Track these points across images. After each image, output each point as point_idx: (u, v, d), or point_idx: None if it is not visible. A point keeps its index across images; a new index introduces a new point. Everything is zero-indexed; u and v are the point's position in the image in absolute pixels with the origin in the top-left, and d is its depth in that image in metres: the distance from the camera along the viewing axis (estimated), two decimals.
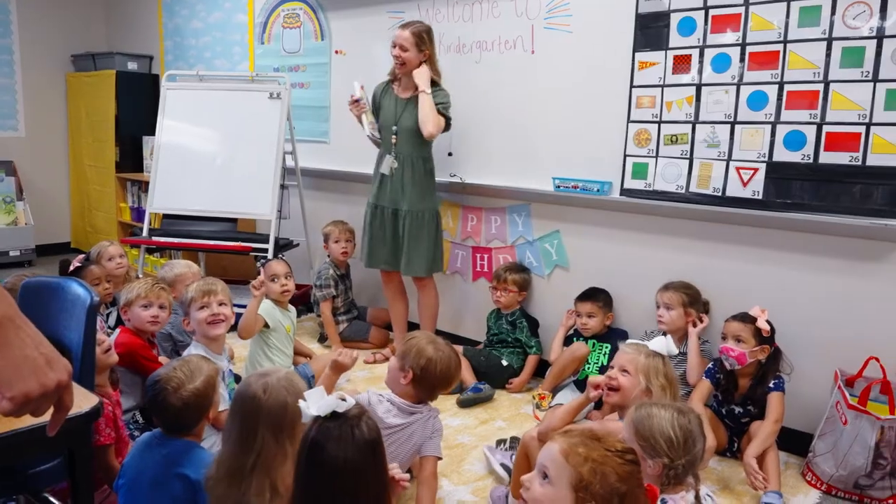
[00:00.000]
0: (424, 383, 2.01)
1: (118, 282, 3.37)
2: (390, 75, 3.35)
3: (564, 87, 3.13)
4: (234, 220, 4.15)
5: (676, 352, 1.95)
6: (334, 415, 1.29)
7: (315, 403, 1.29)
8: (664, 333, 2.75)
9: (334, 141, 4.22)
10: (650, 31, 2.83)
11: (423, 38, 3.20)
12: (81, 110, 5.68)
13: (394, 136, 3.25)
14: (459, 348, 3.25)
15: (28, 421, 1.40)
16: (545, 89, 3.20)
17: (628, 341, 2.01)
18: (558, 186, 3.14)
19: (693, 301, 2.71)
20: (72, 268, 3.01)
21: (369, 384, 3.16)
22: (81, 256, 3.11)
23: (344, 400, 1.30)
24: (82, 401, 1.51)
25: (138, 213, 5.09)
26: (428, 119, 3.09)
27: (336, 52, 4.13)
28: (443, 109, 3.16)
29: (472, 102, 3.42)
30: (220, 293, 2.43)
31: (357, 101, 3.28)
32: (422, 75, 3.13)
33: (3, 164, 5.50)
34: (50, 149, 5.82)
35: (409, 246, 3.27)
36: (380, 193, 3.32)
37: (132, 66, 5.44)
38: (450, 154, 3.48)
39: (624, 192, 2.97)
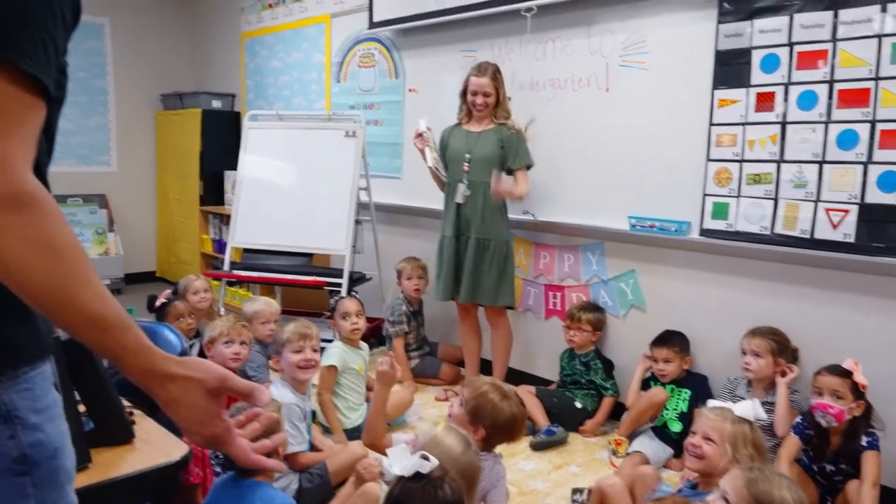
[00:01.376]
0: (494, 438, 2.00)
1: (201, 315, 3.52)
2: (461, 119, 3.40)
3: (640, 124, 3.09)
4: (309, 255, 4.26)
5: (765, 418, 1.87)
6: (417, 475, 1.30)
7: (398, 463, 1.30)
8: (749, 382, 2.67)
9: (407, 177, 4.28)
10: (730, 68, 2.76)
11: (499, 78, 3.28)
12: (169, 146, 5.99)
13: (466, 164, 3.30)
14: (532, 388, 3.25)
15: (120, 471, 1.48)
16: (620, 126, 3.16)
17: (710, 403, 1.93)
18: (634, 226, 3.09)
19: (782, 349, 2.59)
20: (158, 303, 3.15)
21: (440, 422, 3.16)
22: (167, 292, 3.25)
23: (427, 460, 1.30)
24: (173, 449, 1.58)
25: (219, 245, 5.30)
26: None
27: (409, 90, 4.22)
28: (529, 163, 3.27)
29: (545, 140, 3.42)
30: (314, 338, 2.50)
31: (421, 134, 3.36)
32: (517, 187, 3.22)
33: (97, 197, 5.85)
34: (139, 183, 6.15)
35: (481, 274, 3.29)
36: (452, 224, 3.35)
37: (216, 104, 5.71)
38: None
39: (703, 232, 2.89)
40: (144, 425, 1.70)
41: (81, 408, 1.57)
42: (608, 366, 3.21)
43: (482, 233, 3.27)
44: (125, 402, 1.69)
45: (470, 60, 3.65)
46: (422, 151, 3.39)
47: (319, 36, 4.83)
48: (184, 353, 1.76)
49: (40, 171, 0.85)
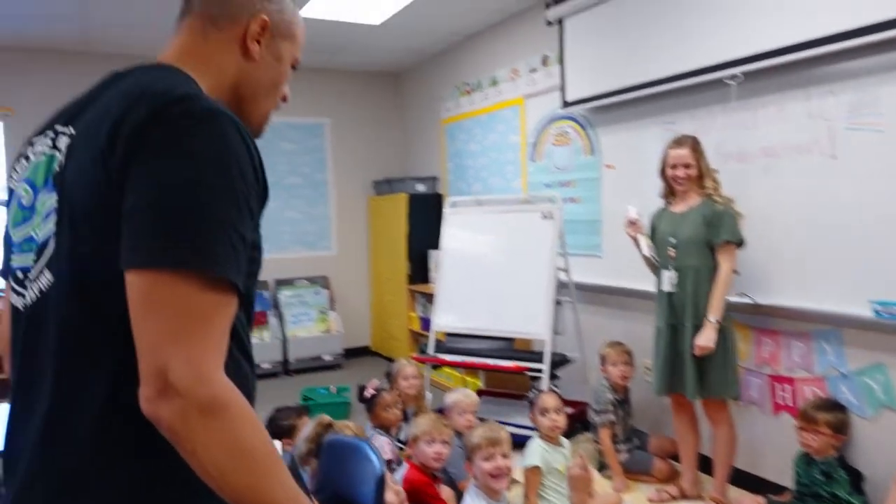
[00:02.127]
0: None
1: (409, 399, 3.65)
2: (664, 197, 3.22)
3: (877, 193, 2.67)
4: (510, 338, 4.25)
5: None
6: None
7: None
8: None
9: (607, 255, 4.13)
10: None
11: (698, 149, 3.08)
12: (380, 229, 6.44)
13: (672, 250, 3.09)
14: (761, 500, 2.87)
15: None
16: (852, 197, 2.77)
17: None
18: (879, 312, 2.64)
19: None
20: (367, 394, 3.30)
21: None
22: (375, 383, 3.39)
23: None
24: None
25: (425, 323, 5.50)
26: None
27: (606, 166, 4.11)
28: (735, 239, 2.97)
29: (760, 215, 3.10)
30: (504, 443, 2.44)
31: (633, 222, 3.22)
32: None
33: (320, 279, 6.43)
34: (355, 264, 6.67)
35: (698, 364, 3.00)
36: (664, 313, 3.13)
37: (420, 187, 6.04)
38: (736, 272, 3.16)
39: None
40: None
41: None
42: (855, 477, 2.73)
43: (698, 319, 3.00)
44: None
45: (668, 133, 3.47)
46: (635, 239, 3.26)
47: (514, 117, 4.93)
48: (381, 477, 1.78)
49: (240, 342, 0.91)
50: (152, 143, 0.79)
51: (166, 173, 0.77)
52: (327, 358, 6.12)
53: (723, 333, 2.97)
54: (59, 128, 0.91)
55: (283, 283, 6.25)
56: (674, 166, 3.07)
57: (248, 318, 0.96)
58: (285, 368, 5.97)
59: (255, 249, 0.90)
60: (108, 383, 0.81)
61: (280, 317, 6.09)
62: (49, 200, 0.88)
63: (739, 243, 2.98)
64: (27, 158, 0.94)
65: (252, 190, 0.83)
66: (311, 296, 6.26)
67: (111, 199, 0.79)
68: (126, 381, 0.77)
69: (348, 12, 4.63)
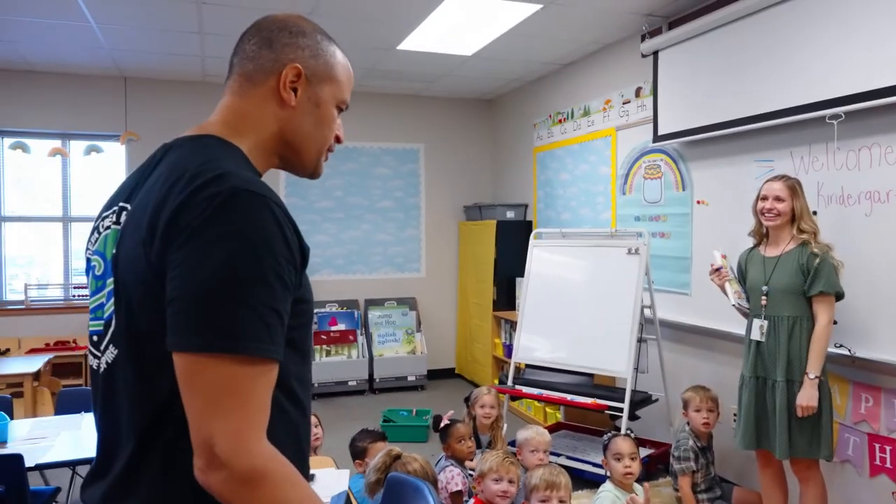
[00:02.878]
0: None
1: (484, 428, 3.66)
2: (753, 236, 3.09)
3: None
4: (591, 374, 4.18)
5: None
6: None
7: None
8: None
9: (696, 293, 3.99)
10: None
11: (797, 189, 2.93)
12: (469, 254, 6.51)
13: (763, 298, 2.95)
14: None
15: None
16: None
17: None
18: None
19: None
20: (442, 424, 3.34)
21: None
22: (450, 414, 3.43)
23: None
24: None
25: (508, 350, 5.50)
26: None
27: (698, 202, 3.98)
28: (832, 290, 2.80)
29: (861, 262, 2.92)
30: (562, 488, 2.42)
31: (718, 269, 3.10)
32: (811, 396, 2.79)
33: (408, 300, 6.57)
34: (443, 287, 6.77)
35: (787, 423, 2.84)
36: (751, 362, 2.99)
37: (510, 214, 6.07)
38: (834, 322, 2.98)
39: None
40: None
41: None
42: None
43: (790, 374, 2.85)
44: None
45: (765, 171, 3.33)
46: (721, 287, 3.14)
47: (605, 148, 4.88)
48: None
49: (290, 391, 0.97)
50: (182, 232, 0.86)
51: (195, 262, 0.85)
52: (411, 378, 6.22)
53: (819, 389, 2.80)
54: (121, 203, 1.00)
55: (372, 303, 6.44)
56: (764, 198, 2.94)
57: (303, 364, 1.02)
58: (370, 386, 6.13)
59: (301, 303, 0.97)
60: (170, 448, 0.89)
61: (368, 336, 6.26)
62: (111, 279, 0.98)
63: (839, 296, 2.81)
64: (98, 231, 1.03)
65: (283, 260, 0.89)
66: (399, 316, 6.41)
67: (155, 284, 0.88)
68: (184, 450, 0.85)
69: (441, 44, 4.76)
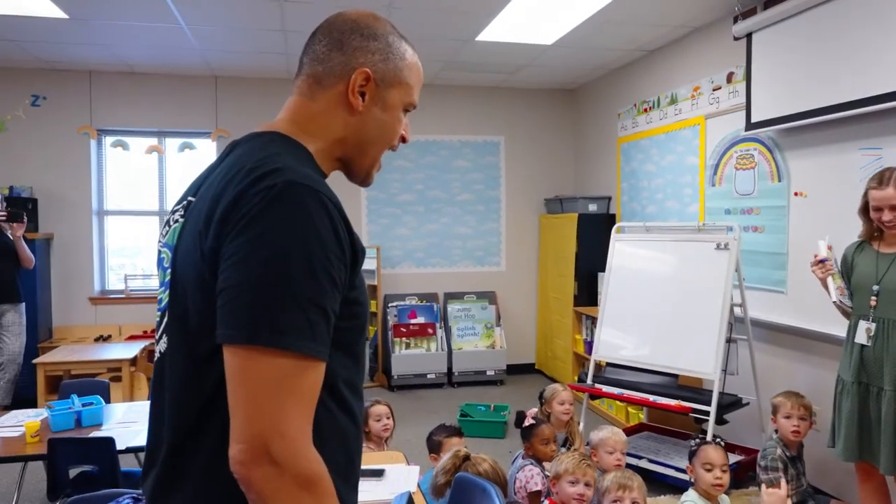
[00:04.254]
0: None
1: (561, 426, 3.57)
2: (864, 237, 2.84)
3: None
4: (675, 375, 4.00)
5: None
6: None
7: None
8: None
9: (793, 292, 3.73)
10: None
11: None
12: (549, 247, 6.38)
13: (873, 298, 2.71)
14: None
15: None
16: None
17: None
18: None
19: None
20: (526, 423, 3.27)
21: None
22: (534, 411, 3.34)
23: None
24: None
25: (589, 347, 5.35)
26: None
27: (795, 194, 3.72)
28: None
29: None
30: (635, 490, 2.31)
31: (822, 261, 2.87)
32: None
33: (488, 294, 6.52)
34: (523, 281, 6.67)
35: (893, 435, 2.61)
36: (854, 367, 2.77)
37: (592, 207, 5.90)
38: None
39: None
40: None
41: None
42: None
43: None
44: None
45: (871, 160, 3.07)
46: (823, 281, 2.92)
47: (694, 138, 4.64)
48: None
49: (341, 398, 0.95)
50: (236, 224, 0.85)
51: (245, 254, 0.83)
52: (490, 373, 6.18)
53: None
54: (190, 198, 1.01)
55: (452, 296, 6.43)
56: (878, 209, 2.70)
57: (355, 369, 0.99)
58: (449, 380, 6.13)
59: (354, 304, 0.94)
60: (214, 443, 0.88)
61: (447, 329, 6.26)
62: (169, 271, 0.98)
63: None
64: (169, 224, 1.05)
65: (334, 258, 0.87)
66: (479, 310, 6.37)
67: (207, 277, 0.87)
68: (226, 443, 0.84)
69: (521, 34, 4.66)
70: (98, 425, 3.07)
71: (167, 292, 0.98)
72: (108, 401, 3.46)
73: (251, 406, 0.81)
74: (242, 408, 0.82)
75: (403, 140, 1.13)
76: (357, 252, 0.93)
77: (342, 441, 0.97)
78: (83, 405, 3.12)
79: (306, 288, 0.84)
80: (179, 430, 0.92)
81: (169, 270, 0.98)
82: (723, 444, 2.86)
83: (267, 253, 0.83)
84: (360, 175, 1.12)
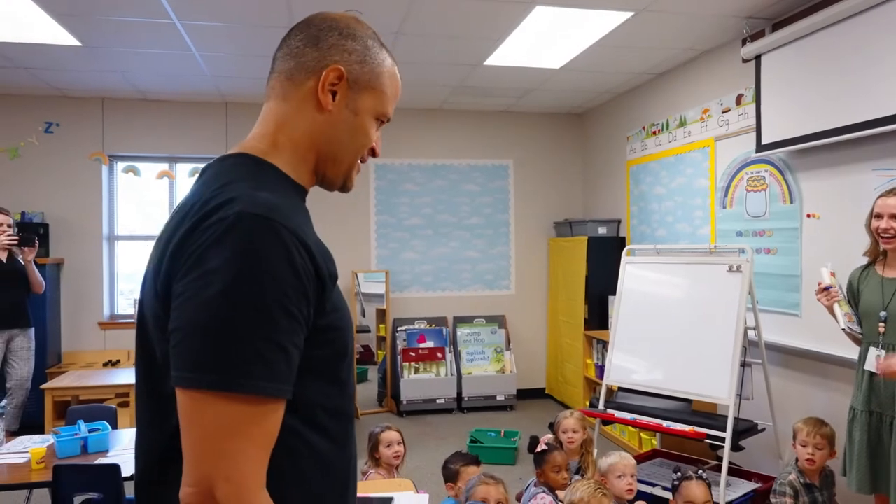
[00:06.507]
0: None
1: (571, 454, 3.50)
2: (868, 256, 2.80)
3: None
4: (689, 400, 3.92)
5: None
6: None
7: None
8: None
9: (807, 315, 3.68)
10: None
11: None
12: (559, 271, 6.34)
13: (881, 325, 2.66)
14: None
15: None
16: None
17: None
18: None
19: None
20: (538, 448, 3.21)
21: None
22: (548, 438, 3.28)
23: None
24: None
25: (600, 371, 5.29)
26: None
27: (808, 215, 3.68)
28: None
29: None
30: None
31: (826, 289, 2.83)
32: None
33: (497, 318, 6.47)
34: (532, 305, 6.62)
35: None
36: (864, 395, 2.71)
37: (601, 230, 5.87)
38: None
39: None
40: None
41: None
42: None
43: None
44: None
45: (885, 181, 3.03)
46: (830, 309, 2.87)
47: (703, 160, 4.62)
48: None
49: (321, 426, 0.92)
50: (185, 261, 0.82)
51: (192, 293, 0.80)
52: (500, 398, 6.10)
53: None
54: (168, 220, 0.98)
55: (461, 320, 6.38)
56: (879, 216, 2.66)
57: (340, 396, 0.96)
58: (458, 405, 6.05)
59: (331, 331, 0.91)
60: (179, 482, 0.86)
61: (456, 354, 6.21)
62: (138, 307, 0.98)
63: None
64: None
65: (291, 290, 0.83)
66: (488, 334, 6.32)
67: (162, 316, 0.85)
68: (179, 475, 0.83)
69: (529, 59, 4.68)
70: (104, 451, 3.04)
71: (136, 329, 0.96)
72: (115, 426, 3.44)
73: (198, 449, 0.79)
74: (191, 450, 0.80)
75: (374, 153, 1.08)
76: (323, 278, 0.88)
77: (326, 469, 0.94)
78: (90, 431, 3.09)
79: (257, 326, 0.80)
80: (148, 468, 0.91)
81: (138, 306, 0.97)
82: (706, 478, 2.79)
83: (213, 292, 0.79)
84: (337, 182, 1.06)
